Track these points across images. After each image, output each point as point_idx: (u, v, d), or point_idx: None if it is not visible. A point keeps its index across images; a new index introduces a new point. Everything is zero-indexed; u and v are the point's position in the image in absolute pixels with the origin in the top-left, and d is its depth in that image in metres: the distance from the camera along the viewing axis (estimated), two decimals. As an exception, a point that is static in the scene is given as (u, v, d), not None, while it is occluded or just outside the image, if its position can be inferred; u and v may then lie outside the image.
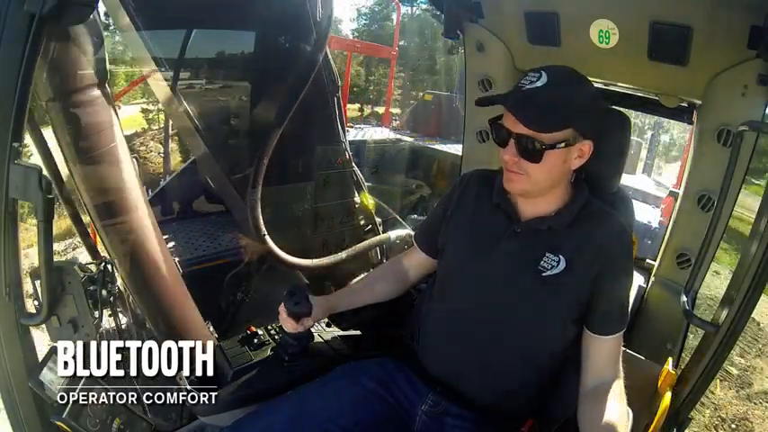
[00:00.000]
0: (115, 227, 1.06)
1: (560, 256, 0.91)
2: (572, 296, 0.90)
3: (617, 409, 0.85)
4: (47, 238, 0.82)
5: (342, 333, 1.17)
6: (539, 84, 0.84)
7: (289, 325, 1.01)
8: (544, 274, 0.91)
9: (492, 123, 0.92)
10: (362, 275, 1.19)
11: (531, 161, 0.86)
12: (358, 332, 1.19)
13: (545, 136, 0.84)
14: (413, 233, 1.47)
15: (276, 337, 1.08)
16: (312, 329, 1.07)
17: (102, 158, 1.02)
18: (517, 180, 0.90)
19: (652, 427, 0.96)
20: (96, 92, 0.98)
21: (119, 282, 1.14)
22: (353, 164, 1.68)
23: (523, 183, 0.90)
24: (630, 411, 0.87)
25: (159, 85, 1.24)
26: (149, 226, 1.14)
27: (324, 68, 1.49)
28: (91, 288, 0.96)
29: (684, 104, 1.28)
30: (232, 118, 1.39)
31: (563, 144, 0.86)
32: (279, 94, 1.32)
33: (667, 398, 0.98)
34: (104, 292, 1.02)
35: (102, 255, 1.12)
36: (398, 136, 3.94)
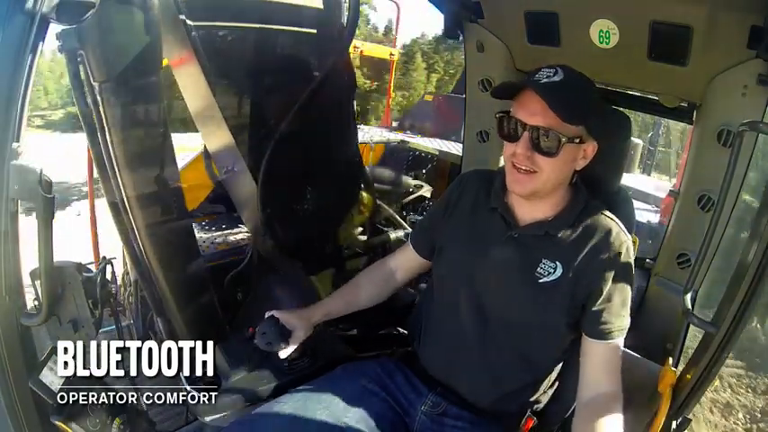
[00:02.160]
0: (158, 215, 1.06)
1: (557, 263, 0.90)
2: (569, 302, 0.90)
3: (610, 428, 0.82)
4: (47, 237, 0.82)
5: (342, 333, 1.17)
6: (556, 78, 0.83)
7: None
8: (540, 281, 0.90)
9: (501, 117, 0.89)
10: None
11: (547, 155, 0.84)
12: (359, 332, 1.19)
13: (565, 128, 0.83)
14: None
15: None
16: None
17: (149, 144, 1.03)
18: (526, 180, 0.87)
19: (652, 427, 0.96)
20: (151, 78, 0.99)
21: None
22: (362, 163, 1.68)
23: (533, 182, 0.87)
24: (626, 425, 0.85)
25: (188, 73, 1.24)
26: (188, 216, 1.17)
27: (346, 67, 1.49)
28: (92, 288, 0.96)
29: (684, 104, 1.28)
30: (260, 113, 1.39)
31: (578, 139, 0.85)
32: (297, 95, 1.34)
33: (667, 398, 0.98)
34: (104, 292, 1.02)
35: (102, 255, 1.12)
36: (402, 137, 3.93)
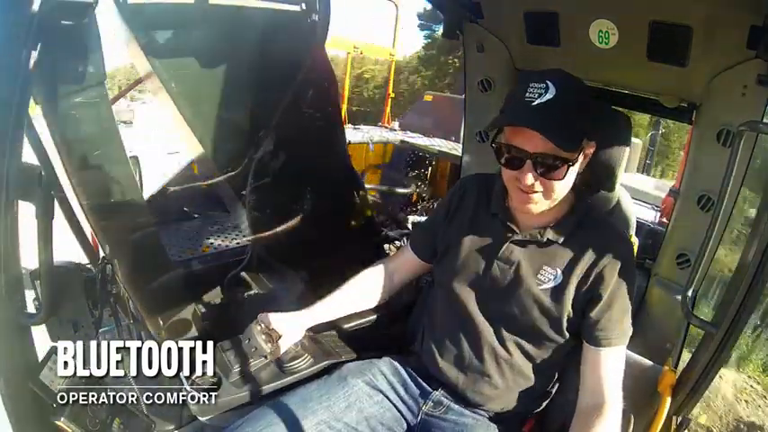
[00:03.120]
0: (113, 228, 1.06)
1: (557, 270, 0.90)
2: (568, 308, 0.90)
3: None
4: (47, 238, 0.82)
5: (342, 332, 1.17)
6: (549, 96, 0.79)
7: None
8: (541, 287, 0.90)
9: (497, 144, 0.87)
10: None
11: (555, 179, 0.83)
12: (359, 332, 1.19)
13: (565, 153, 0.81)
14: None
15: None
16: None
17: (99, 158, 1.02)
18: (536, 200, 0.86)
19: (652, 427, 0.96)
20: (94, 91, 0.98)
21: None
22: (351, 165, 1.67)
23: (542, 201, 0.87)
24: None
25: (154, 86, 1.23)
26: (148, 227, 1.15)
27: (324, 66, 1.48)
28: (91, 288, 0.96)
29: (684, 104, 1.28)
30: (228, 117, 1.38)
31: (581, 156, 0.85)
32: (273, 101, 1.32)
33: (667, 398, 0.98)
34: (104, 292, 1.02)
35: (101, 255, 1.12)
36: (402, 137, 3.93)
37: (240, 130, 1.38)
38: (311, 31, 1.38)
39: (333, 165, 1.60)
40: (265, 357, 0.97)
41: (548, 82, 0.80)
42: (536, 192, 0.85)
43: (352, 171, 1.66)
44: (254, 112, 1.36)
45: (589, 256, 0.90)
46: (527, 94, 0.81)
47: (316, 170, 1.53)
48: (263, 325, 0.97)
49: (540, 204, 0.88)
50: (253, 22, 1.36)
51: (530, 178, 0.83)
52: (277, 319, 0.98)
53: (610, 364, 0.88)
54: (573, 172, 0.86)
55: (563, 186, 0.86)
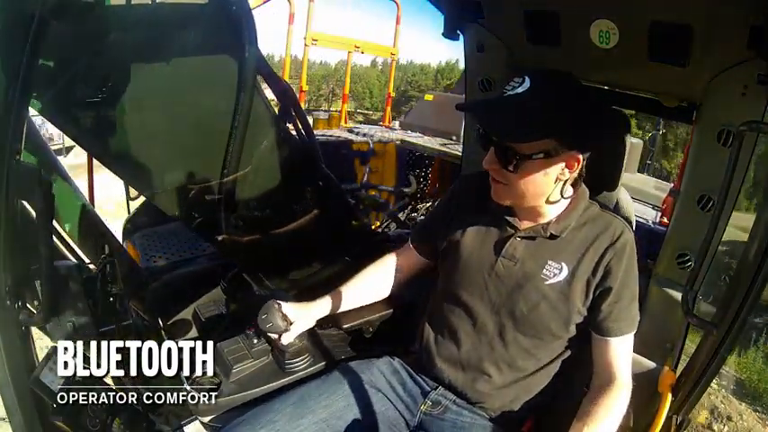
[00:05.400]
0: None
1: (562, 264, 0.91)
2: (576, 302, 0.90)
3: (601, 414, 0.83)
4: (47, 238, 0.82)
5: (342, 332, 1.17)
6: (519, 90, 0.82)
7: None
8: (547, 283, 0.91)
9: (478, 130, 0.91)
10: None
11: (509, 171, 0.85)
12: (359, 331, 1.19)
13: (521, 146, 0.83)
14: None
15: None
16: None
17: None
18: (501, 191, 0.90)
19: (652, 427, 0.96)
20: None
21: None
22: (324, 168, 1.63)
23: (506, 194, 0.90)
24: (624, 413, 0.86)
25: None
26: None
27: (268, 77, 1.40)
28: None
29: (685, 104, 1.28)
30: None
31: (541, 155, 0.83)
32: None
33: (667, 398, 0.98)
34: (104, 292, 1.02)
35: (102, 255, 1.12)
36: (403, 137, 3.92)
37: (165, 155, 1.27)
38: (234, 28, 1.21)
39: (305, 173, 1.54)
40: (279, 336, 0.99)
41: (526, 77, 0.83)
42: (499, 182, 0.89)
43: (326, 175, 1.63)
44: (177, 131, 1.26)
45: (595, 249, 0.91)
46: (506, 86, 0.85)
47: (284, 182, 1.48)
48: (279, 304, 0.98)
49: (503, 197, 0.90)
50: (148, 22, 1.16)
51: (489, 164, 0.87)
52: (289, 305, 1.00)
53: (623, 349, 0.91)
54: (531, 169, 0.84)
55: (521, 182, 0.86)
